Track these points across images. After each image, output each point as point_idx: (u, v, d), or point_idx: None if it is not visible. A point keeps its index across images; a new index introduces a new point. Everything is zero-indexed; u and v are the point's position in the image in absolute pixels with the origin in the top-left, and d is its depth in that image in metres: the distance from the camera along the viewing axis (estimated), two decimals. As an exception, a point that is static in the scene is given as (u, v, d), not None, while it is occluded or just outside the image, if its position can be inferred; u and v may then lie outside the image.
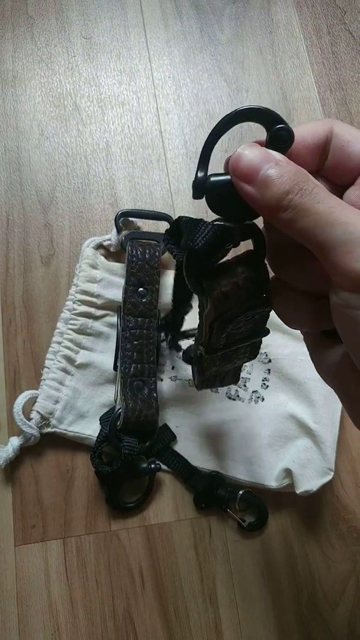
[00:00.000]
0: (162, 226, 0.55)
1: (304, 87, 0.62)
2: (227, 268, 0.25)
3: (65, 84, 0.62)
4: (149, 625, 0.45)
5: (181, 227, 0.26)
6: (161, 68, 0.63)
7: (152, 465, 0.46)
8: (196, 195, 0.25)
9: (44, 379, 0.48)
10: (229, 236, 0.24)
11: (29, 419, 0.47)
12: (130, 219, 0.54)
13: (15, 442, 0.47)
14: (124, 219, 0.53)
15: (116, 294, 0.51)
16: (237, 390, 0.50)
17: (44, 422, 0.47)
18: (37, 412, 0.47)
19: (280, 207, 0.22)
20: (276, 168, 0.22)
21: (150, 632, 0.45)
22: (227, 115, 0.24)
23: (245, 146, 0.23)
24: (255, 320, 0.27)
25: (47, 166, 0.58)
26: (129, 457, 0.44)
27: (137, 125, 0.60)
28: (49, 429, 0.47)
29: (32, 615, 0.45)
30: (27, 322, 0.52)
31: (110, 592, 0.45)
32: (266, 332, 0.29)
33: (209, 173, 0.25)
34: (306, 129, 0.25)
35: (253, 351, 0.31)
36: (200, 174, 0.24)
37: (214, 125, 0.25)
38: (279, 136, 0.24)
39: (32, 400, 0.48)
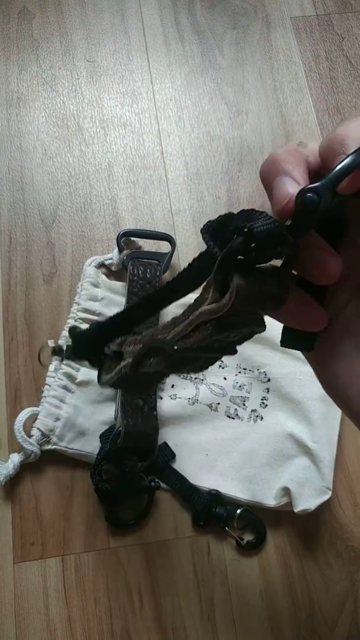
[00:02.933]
0: (163, 246, 0.56)
1: (302, 110, 0.64)
2: (259, 272, 0.24)
3: (68, 105, 0.64)
4: (147, 645, 0.45)
5: (230, 220, 0.24)
6: (163, 90, 0.65)
7: (152, 484, 0.47)
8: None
9: (45, 396, 0.49)
10: (285, 240, 0.23)
11: (30, 436, 0.47)
12: (132, 238, 0.55)
13: (15, 458, 0.47)
14: (125, 238, 0.54)
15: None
16: (236, 409, 0.50)
17: (44, 439, 0.48)
18: (38, 429, 0.48)
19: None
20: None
21: (148, 651, 0.45)
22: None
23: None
24: (239, 337, 0.26)
25: (49, 185, 0.60)
26: (129, 475, 0.45)
27: (139, 146, 0.62)
28: (50, 446, 0.48)
29: (30, 633, 0.45)
30: (28, 339, 0.53)
31: (108, 610, 0.46)
32: (234, 351, 0.28)
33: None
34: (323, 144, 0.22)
35: (203, 366, 0.29)
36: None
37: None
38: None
39: (33, 418, 0.49)
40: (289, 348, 0.27)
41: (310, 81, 0.65)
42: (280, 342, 0.27)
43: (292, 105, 0.64)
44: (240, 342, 0.26)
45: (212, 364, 0.28)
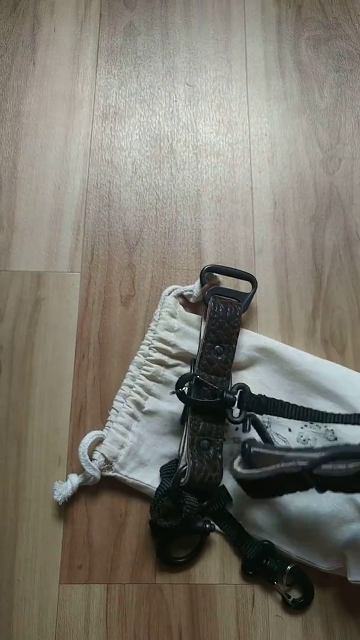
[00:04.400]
0: (243, 284, 0.55)
1: None
2: None
3: (163, 126, 0.64)
4: None
5: None
6: (259, 124, 0.64)
7: (207, 526, 0.47)
8: None
9: (112, 422, 0.49)
10: None
11: (92, 460, 0.48)
12: (214, 273, 0.55)
13: (75, 480, 0.48)
14: (207, 272, 0.54)
15: (191, 345, 0.52)
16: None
17: (106, 465, 0.48)
18: (102, 454, 0.48)
19: None
20: None
21: None
22: None
23: None
24: None
25: (136, 206, 0.60)
26: (189, 516, 0.45)
27: (229, 178, 0.62)
28: (110, 473, 0.48)
29: (67, 656, 0.45)
30: (99, 359, 0.53)
31: (148, 647, 0.46)
32: None
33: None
34: None
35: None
36: None
37: None
38: None
39: (96, 441, 0.49)
40: None
41: None
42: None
43: (388, 158, 0.63)
44: None
45: None
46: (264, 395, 0.48)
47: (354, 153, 0.63)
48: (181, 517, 0.45)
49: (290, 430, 0.51)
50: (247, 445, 0.43)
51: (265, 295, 0.57)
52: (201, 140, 0.63)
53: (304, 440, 0.50)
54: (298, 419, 0.48)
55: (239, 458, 0.44)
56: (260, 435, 0.48)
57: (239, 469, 0.42)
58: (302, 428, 0.51)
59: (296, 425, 0.51)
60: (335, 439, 0.50)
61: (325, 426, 0.50)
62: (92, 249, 0.58)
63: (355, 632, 0.47)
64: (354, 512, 0.48)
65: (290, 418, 0.48)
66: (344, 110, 0.65)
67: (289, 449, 0.43)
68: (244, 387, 0.48)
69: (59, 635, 0.46)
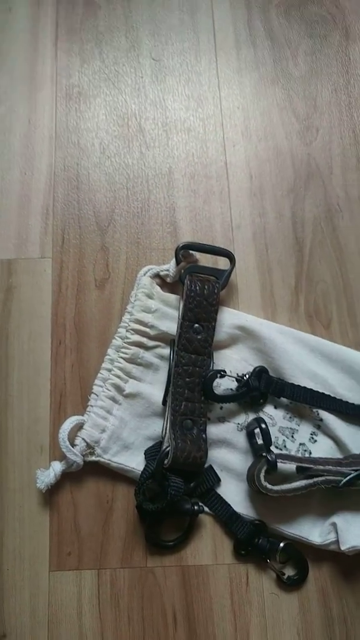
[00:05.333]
0: (221, 261, 0.59)
1: (375, 130, 0.67)
2: None
3: (130, 104, 0.68)
4: (177, 669, 0.49)
5: None
6: (230, 97, 0.68)
7: (195, 507, 0.50)
8: None
9: (92, 406, 0.53)
10: None
11: (73, 445, 0.51)
12: (189, 251, 0.59)
13: (57, 467, 0.51)
14: (184, 251, 0.58)
15: (169, 326, 0.56)
16: (284, 440, 0.54)
17: (88, 451, 0.52)
18: (83, 439, 0.51)
19: None
20: None
21: None
22: None
23: None
24: None
25: (106, 187, 0.64)
26: (175, 497, 0.49)
27: (202, 154, 0.66)
28: (93, 458, 0.52)
29: (61, 645, 0.49)
30: (77, 345, 0.57)
31: (141, 630, 0.50)
32: None
33: None
34: None
35: None
36: None
37: None
38: None
39: (77, 426, 0.52)
40: None
41: (385, 100, 0.68)
42: None
43: (365, 124, 0.67)
44: None
45: None
46: (281, 379, 0.54)
47: (331, 122, 0.67)
48: (167, 499, 0.49)
49: (276, 407, 0.55)
50: (272, 456, 0.49)
51: (245, 272, 0.61)
52: (171, 116, 0.67)
53: (290, 417, 0.55)
54: (314, 405, 0.54)
55: (264, 470, 0.49)
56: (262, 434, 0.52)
57: (268, 485, 0.49)
58: (288, 405, 0.55)
59: (282, 403, 0.55)
60: (321, 419, 0.54)
61: (311, 407, 0.55)
62: (63, 233, 0.61)
63: (353, 606, 0.51)
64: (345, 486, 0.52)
65: (304, 403, 0.54)
66: (319, 77, 0.69)
67: (315, 460, 0.50)
68: (263, 370, 0.54)
69: (52, 621, 0.49)
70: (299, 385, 0.54)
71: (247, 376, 0.54)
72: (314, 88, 0.69)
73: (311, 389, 0.54)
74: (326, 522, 0.51)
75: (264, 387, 0.53)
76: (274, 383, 0.54)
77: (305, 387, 0.54)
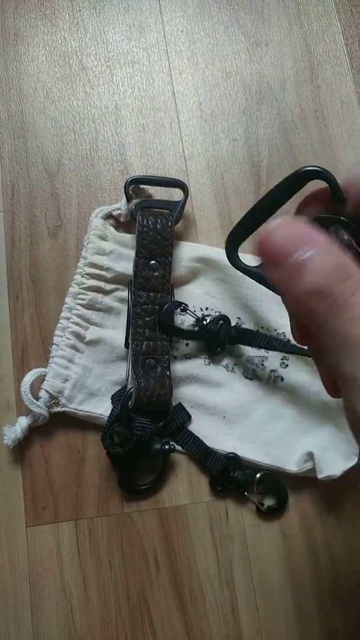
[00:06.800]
0: (175, 194, 0.55)
1: (329, 38, 0.61)
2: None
3: (70, 42, 0.62)
4: (163, 609, 0.47)
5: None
6: (173, 21, 0.62)
7: (166, 446, 0.48)
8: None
9: (53, 357, 0.50)
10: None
11: (38, 398, 0.49)
12: (141, 186, 0.55)
13: (23, 422, 0.49)
14: (134, 186, 0.54)
15: (127, 267, 0.52)
16: (254, 369, 0.50)
17: (53, 401, 0.49)
18: (46, 390, 0.49)
19: (307, 304, 0.19)
20: (313, 254, 0.20)
21: (165, 615, 0.47)
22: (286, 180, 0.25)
23: (279, 222, 0.21)
24: None
25: (53, 132, 0.59)
26: (141, 437, 0.46)
27: (148, 87, 0.60)
28: (59, 409, 0.49)
29: (45, 596, 0.47)
30: (34, 297, 0.54)
31: (124, 574, 0.48)
32: None
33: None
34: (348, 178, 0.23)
35: None
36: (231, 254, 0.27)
37: (266, 195, 0.25)
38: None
39: (41, 379, 0.49)
40: None
41: (338, 4, 0.62)
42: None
43: (318, 32, 0.61)
44: None
45: None
46: (240, 327, 0.51)
47: (281, 34, 0.61)
48: (133, 441, 0.46)
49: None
50: None
51: (201, 203, 0.56)
52: (113, 50, 0.62)
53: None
54: (271, 349, 0.50)
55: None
56: None
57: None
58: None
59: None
60: (288, 341, 0.50)
61: (276, 330, 0.51)
62: (12, 184, 0.57)
63: (335, 528, 0.48)
64: (320, 412, 0.49)
65: (263, 348, 0.50)
66: (265, -11, 0.63)
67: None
68: (225, 319, 0.50)
69: (33, 576, 0.48)
70: (259, 333, 0.50)
71: (206, 321, 0.50)
72: (260, 0, 0.62)
73: (275, 337, 0.50)
74: (302, 451, 0.47)
75: (223, 335, 0.49)
76: (233, 331, 0.50)
77: (266, 335, 0.50)
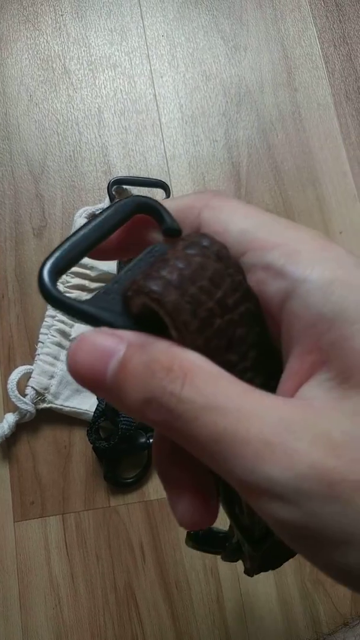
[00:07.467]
0: (158, 194, 0.56)
1: (306, 42, 0.62)
2: None
3: (53, 45, 0.63)
4: (150, 598, 0.48)
5: None
6: (154, 26, 0.63)
7: (151, 440, 0.48)
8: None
9: (39, 354, 0.50)
10: None
11: (24, 395, 0.49)
12: (124, 187, 0.55)
13: (10, 418, 0.49)
14: (117, 187, 0.54)
15: (110, 265, 0.52)
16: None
17: (39, 398, 0.49)
18: (32, 387, 0.49)
19: (145, 414, 0.15)
20: (123, 359, 0.15)
21: (152, 604, 0.48)
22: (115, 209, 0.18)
23: (82, 339, 0.16)
24: None
25: (37, 134, 0.59)
26: (127, 432, 0.46)
27: (130, 89, 0.61)
28: (45, 405, 0.49)
29: (33, 590, 0.48)
30: (20, 296, 0.54)
31: (110, 566, 0.48)
32: None
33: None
34: (177, 208, 0.18)
35: None
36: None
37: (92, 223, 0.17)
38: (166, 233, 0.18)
39: (27, 376, 0.50)
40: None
41: (314, 9, 0.63)
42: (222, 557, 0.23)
43: (295, 36, 0.62)
44: None
45: None
46: None
47: (259, 39, 0.62)
48: (118, 435, 0.46)
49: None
50: None
51: (183, 203, 0.57)
52: (95, 54, 0.62)
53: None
54: None
55: None
56: None
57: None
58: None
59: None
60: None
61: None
62: (-4, 186, 0.57)
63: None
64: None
65: None
66: (243, -5, 0.64)
67: None
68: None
69: (21, 571, 0.48)
70: None
71: None
72: (239, 5, 0.63)
73: None
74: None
75: None
76: None
77: None
